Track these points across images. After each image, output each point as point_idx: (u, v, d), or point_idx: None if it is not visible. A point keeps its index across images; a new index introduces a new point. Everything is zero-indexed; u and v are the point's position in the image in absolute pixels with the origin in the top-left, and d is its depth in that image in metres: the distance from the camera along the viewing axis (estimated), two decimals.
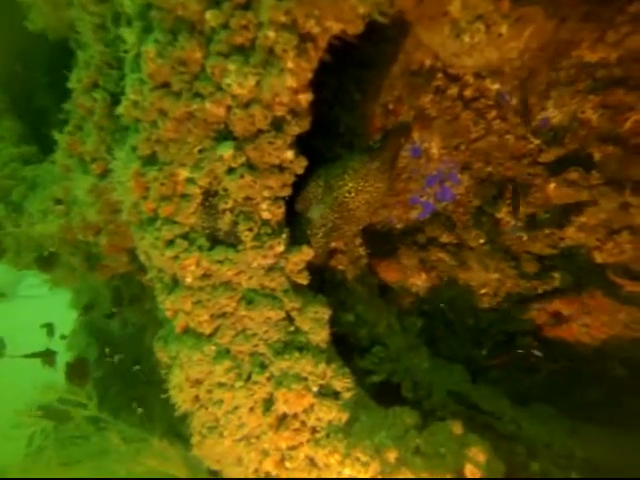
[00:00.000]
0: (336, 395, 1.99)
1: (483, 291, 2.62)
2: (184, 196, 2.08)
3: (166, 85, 1.89)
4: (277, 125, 1.89)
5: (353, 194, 2.05)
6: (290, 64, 1.71)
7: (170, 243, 2.08)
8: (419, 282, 2.83)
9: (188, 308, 2.14)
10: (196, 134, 1.96)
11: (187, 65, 1.84)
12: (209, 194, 2.08)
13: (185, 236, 2.10)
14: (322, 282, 2.46)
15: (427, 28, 1.87)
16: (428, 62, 2.75)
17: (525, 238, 2.48)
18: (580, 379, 2.34)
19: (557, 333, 2.37)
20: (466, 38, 1.76)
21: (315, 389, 1.98)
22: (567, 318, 2.33)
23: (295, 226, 2.26)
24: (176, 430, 3.88)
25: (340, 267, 2.81)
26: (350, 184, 2.04)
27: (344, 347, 2.36)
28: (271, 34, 1.64)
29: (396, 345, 2.54)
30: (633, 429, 2.01)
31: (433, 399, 2.35)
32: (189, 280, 2.10)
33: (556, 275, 2.35)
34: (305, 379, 1.99)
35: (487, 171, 2.66)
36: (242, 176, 1.93)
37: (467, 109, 2.62)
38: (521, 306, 2.45)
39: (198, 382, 2.15)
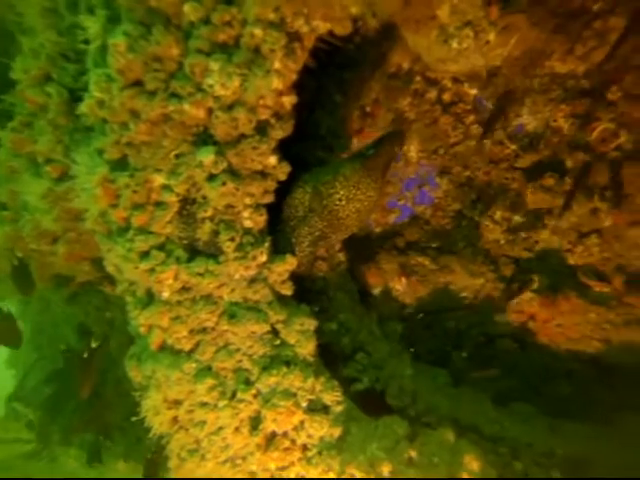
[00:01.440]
0: (326, 409, 1.93)
1: (463, 294, 2.66)
2: (159, 204, 1.92)
3: (138, 83, 1.72)
4: (261, 129, 1.79)
5: (344, 202, 1.98)
6: (277, 65, 1.61)
7: (145, 255, 1.91)
8: (399, 286, 2.82)
9: (165, 324, 1.98)
10: (173, 137, 1.81)
11: (162, 62, 1.69)
12: (187, 202, 1.94)
13: (161, 247, 1.94)
14: (303, 290, 2.37)
15: (413, 31, 1.84)
16: (406, 65, 2.73)
17: (503, 242, 2.53)
18: (554, 377, 2.43)
19: (534, 334, 2.45)
20: (454, 44, 1.74)
21: (305, 404, 1.90)
22: (543, 320, 2.41)
23: (278, 233, 2.16)
24: (137, 450, 3.65)
25: (321, 274, 2.74)
26: (341, 192, 1.97)
27: (328, 355, 2.30)
28: (258, 32, 1.53)
29: (379, 352, 2.52)
30: (606, 423, 2.11)
31: (418, 405, 2.35)
32: (166, 295, 1.95)
33: (534, 278, 2.43)
34: (294, 395, 1.91)
35: (466, 175, 2.69)
36: (224, 183, 1.81)
37: (446, 113, 2.64)
38: (500, 309, 2.51)
39: (177, 403, 2.01)
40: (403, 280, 2.77)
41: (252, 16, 1.51)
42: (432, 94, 2.67)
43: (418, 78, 2.70)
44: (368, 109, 2.84)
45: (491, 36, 1.68)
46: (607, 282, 2.29)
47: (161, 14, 1.62)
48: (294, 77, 1.73)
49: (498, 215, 2.54)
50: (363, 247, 2.94)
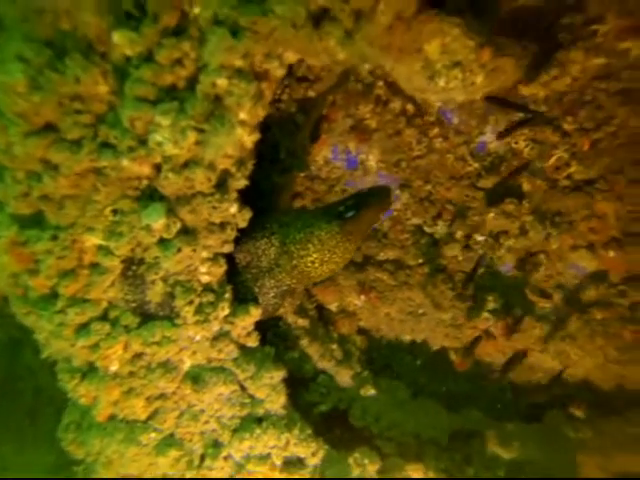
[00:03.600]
0: (302, 462, 1.90)
1: (421, 311, 2.72)
2: (96, 267, 1.57)
3: (51, 128, 1.30)
4: (221, 182, 1.49)
5: (317, 265, 1.80)
6: (243, 116, 1.31)
7: (83, 329, 1.59)
8: (357, 302, 2.79)
9: (115, 398, 1.73)
10: (107, 192, 1.44)
11: (85, 102, 1.28)
12: (132, 262, 1.61)
13: (104, 317, 1.62)
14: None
15: (394, 59, 1.60)
16: (367, 66, 2.48)
17: (461, 258, 2.59)
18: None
19: (486, 348, 2.63)
20: (441, 82, 1.56)
21: (280, 463, 1.85)
22: (495, 335, 2.59)
23: (237, 280, 1.93)
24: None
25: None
26: (315, 255, 1.77)
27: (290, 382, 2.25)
28: (222, 82, 1.20)
29: (340, 374, 2.53)
30: (546, 426, 2.41)
31: (381, 423, 2.45)
32: (115, 368, 1.67)
33: (489, 298, 2.55)
34: (269, 455, 1.83)
35: (427, 190, 2.63)
36: (179, 250, 1.52)
37: (411, 126, 2.49)
38: (457, 325, 2.63)
39: (135, 475, 1.83)
40: (362, 297, 2.74)
41: (215, 64, 1.17)
42: (396, 104, 2.48)
43: (380, 83, 2.48)
44: (324, 112, 2.57)
45: (479, 79, 1.53)
46: (549, 298, 2.49)
47: (77, 38, 1.19)
48: (261, 118, 1.43)
49: (459, 234, 2.56)
50: None
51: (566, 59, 2.06)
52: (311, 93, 2.11)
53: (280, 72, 1.29)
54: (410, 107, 2.48)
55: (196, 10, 1.17)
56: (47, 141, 1.28)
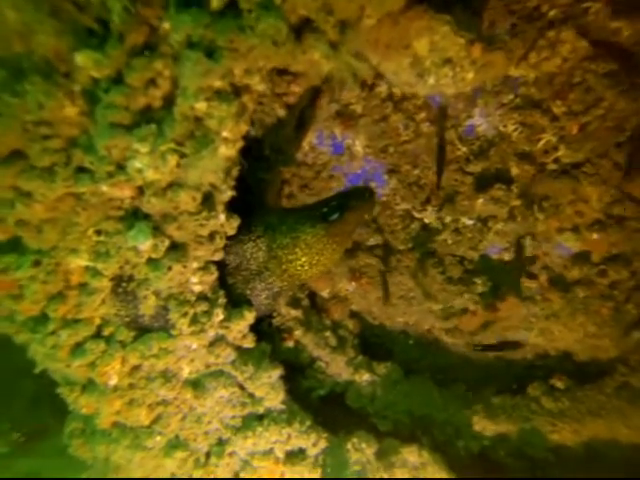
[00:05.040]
0: (303, 452, 2.00)
1: (412, 294, 2.77)
2: (84, 286, 1.54)
3: (19, 155, 1.22)
4: (206, 197, 1.44)
5: (306, 267, 1.79)
6: (226, 134, 1.25)
7: (78, 349, 1.58)
8: (348, 287, 2.83)
9: (116, 408, 1.76)
10: (87, 215, 1.38)
11: (54, 127, 1.19)
12: (121, 279, 1.58)
13: (98, 334, 1.61)
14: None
15: (381, 56, 1.53)
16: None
17: (450, 242, 2.61)
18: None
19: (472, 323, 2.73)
20: (430, 80, 1.51)
21: (282, 455, 1.94)
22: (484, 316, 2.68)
23: (229, 281, 1.93)
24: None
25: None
26: (303, 259, 1.75)
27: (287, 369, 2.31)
28: (200, 106, 1.13)
29: (336, 361, 2.61)
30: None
31: (375, 404, 2.57)
32: (114, 382, 1.69)
33: (478, 280, 2.61)
34: (271, 450, 1.92)
35: (415, 174, 2.60)
36: (170, 268, 1.49)
37: (398, 111, 2.41)
38: (447, 308, 2.70)
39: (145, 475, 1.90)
40: (353, 284, 2.78)
41: (192, 88, 1.09)
42: (382, 88, 2.39)
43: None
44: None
45: (470, 75, 1.48)
46: (535, 279, 2.56)
47: (35, 60, 1.09)
48: (244, 132, 1.37)
49: (448, 219, 2.57)
50: None
51: (556, 39, 1.99)
52: (295, 88, 2.00)
53: (261, 87, 1.21)
54: (397, 91, 2.39)
55: (166, 25, 1.07)
56: (15, 170, 1.21)
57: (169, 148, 1.20)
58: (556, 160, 2.30)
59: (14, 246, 1.43)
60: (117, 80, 1.12)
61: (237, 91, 1.23)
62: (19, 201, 1.29)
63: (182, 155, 1.22)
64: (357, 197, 1.80)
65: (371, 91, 2.43)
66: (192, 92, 1.09)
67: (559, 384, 2.50)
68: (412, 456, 2.07)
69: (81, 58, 1.07)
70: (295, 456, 1.97)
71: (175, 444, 1.87)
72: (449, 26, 1.39)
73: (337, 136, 2.66)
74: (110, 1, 0.97)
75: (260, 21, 1.02)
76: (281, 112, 2.01)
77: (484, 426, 2.50)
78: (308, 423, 2.04)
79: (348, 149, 2.68)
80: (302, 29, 1.12)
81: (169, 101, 1.19)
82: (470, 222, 2.55)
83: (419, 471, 2.05)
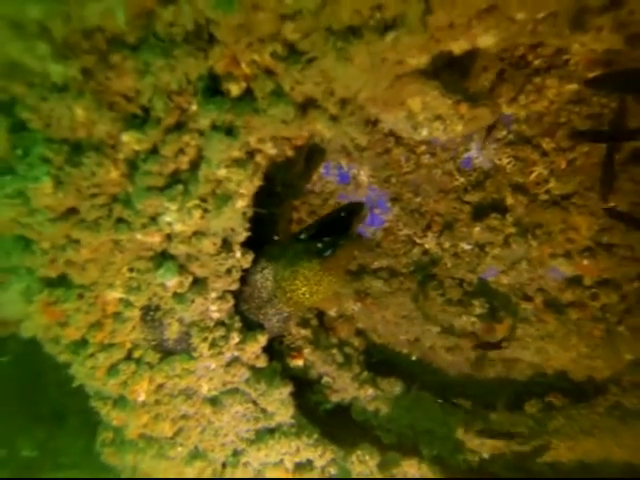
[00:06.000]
0: (310, 464, 2.18)
1: (414, 315, 2.94)
2: (118, 316, 1.76)
3: (73, 211, 1.45)
4: (225, 241, 1.66)
5: (308, 296, 1.99)
6: (242, 191, 1.46)
7: (112, 369, 1.81)
8: (354, 307, 3.01)
9: (144, 422, 1.97)
10: (123, 257, 1.61)
11: (100, 187, 1.42)
12: (149, 309, 1.80)
13: (129, 357, 1.84)
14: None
15: (380, 109, 1.73)
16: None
17: (450, 265, 2.78)
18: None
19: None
20: (424, 132, 1.70)
21: (291, 466, 2.12)
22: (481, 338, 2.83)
23: (243, 308, 2.13)
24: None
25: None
26: (304, 289, 1.96)
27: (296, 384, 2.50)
28: (221, 172, 1.35)
29: (342, 377, 2.79)
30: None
31: (379, 418, 2.74)
32: (142, 399, 1.91)
33: (476, 303, 2.76)
34: (282, 461, 2.11)
35: (417, 202, 2.78)
36: (193, 301, 1.71)
37: (399, 145, 2.60)
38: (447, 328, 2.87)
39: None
40: (359, 304, 2.96)
41: (216, 161, 1.31)
42: (385, 124, 2.58)
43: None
44: None
45: (459, 127, 1.67)
46: (530, 300, 2.71)
47: (92, 139, 1.32)
48: (258, 186, 1.58)
49: (447, 244, 2.74)
50: None
51: (542, 84, 2.17)
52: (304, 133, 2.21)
53: (273, 151, 1.43)
54: None
55: (194, 107, 1.29)
56: (70, 224, 1.44)
57: (194, 205, 1.42)
58: (547, 191, 2.46)
59: (62, 281, 1.66)
60: (153, 151, 1.34)
61: (252, 153, 1.44)
62: (69, 247, 1.52)
63: (205, 210, 1.44)
64: (347, 237, 2.01)
65: (374, 127, 2.63)
66: (215, 163, 1.31)
67: (555, 401, 2.63)
68: (412, 469, 2.23)
69: (127, 137, 1.29)
70: (303, 467, 2.15)
71: (195, 454, 2.08)
72: (438, 90, 1.58)
73: (343, 166, 2.87)
74: (154, 99, 1.19)
75: (272, 106, 1.23)
76: (290, 153, 2.22)
77: (482, 441, 2.65)
78: (315, 436, 2.22)
79: (354, 178, 2.88)
80: (307, 106, 1.33)
81: (194, 165, 1.41)
82: (468, 247, 2.72)
83: None
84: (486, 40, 1.36)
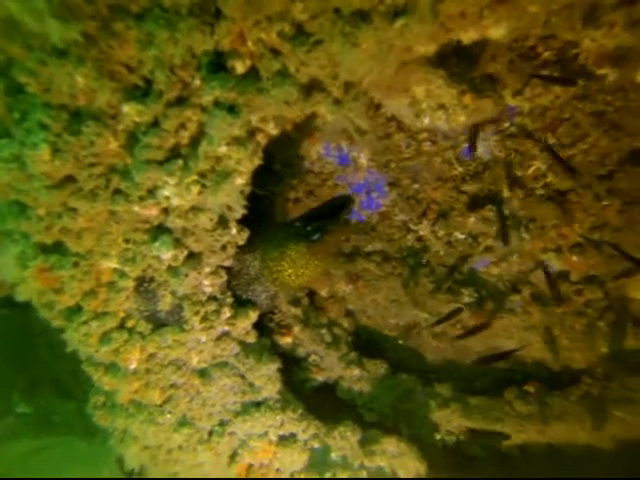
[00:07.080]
0: (294, 437, 2.26)
1: (404, 300, 3.00)
2: (112, 285, 1.78)
3: (70, 179, 1.44)
4: (222, 217, 1.66)
5: (293, 278, 2.02)
6: (241, 169, 1.46)
7: (105, 337, 1.84)
8: (346, 288, 3.06)
9: (134, 388, 2.03)
10: (119, 228, 1.61)
11: (99, 156, 1.41)
12: (144, 280, 1.82)
13: (121, 325, 1.87)
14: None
15: (383, 94, 1.72)
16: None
17: (442, 253, 2.82)
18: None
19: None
20: (426, 120, 1.71)
21: (275, 438, 2.21)
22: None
23: (233, 281, 2.16)
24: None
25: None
26: (290, 270, 1.99)
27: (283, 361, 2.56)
28: (222, 150, 1.34)
29: (330, 356, 2.85)
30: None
31: (363, 397, 2.83)
32: (133, 367, 1.95)
33: (465, 292, 2.82)
34: (266, 433, 2.19)
35: (414, 189, 2.79)
36: (187, 275, 1.73)
37: (401, 130, 2.59)
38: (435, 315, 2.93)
39: (156, 446, 2.18)
40: (350, 286, 3.00)
41: (217, 138, 1.30)
42: (387, 109, 2.56)
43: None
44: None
45: (461, 118, 1.67)
46: (518, 292, 2.77)
47: (92, 108, 1.30)
48: (257, 165, 1.58)
49: (441, 233, 2.77)
50: None
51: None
52: None
53: (275, 131, 1.42)
54: None
55: (197, 82, 1.28)
56: (67, 192, 1.44)
57: (193, 180, 1.42)
58: (544, 186, 2.48)
59: (57, 248, 1.67)
60: (154, 124, 1.33)
61: (253, 132, 1.44)
62: (66, 215, 1.52)
63: (203, 186, 1.44)
64: (336, 221, 2.02)
65: (377, 110, 2.60)
66: (216, 140, 1.30)
67: (531, 390, 2.74)
68: (391, 446, 2.33)
69: (128, 108, 1.28)
70: (287, 439, 2.24)
71: (183, 422, 2.15)
72: (443, 79, 1.57)
73: (344, 148, 2.85)
74: (157, 71, 1.17)
75: (276, 87, 1.22)
76: (290, 130, 2.21)
77: (460, 422, 2.76)
78: (300, 411, 2.30)
79: (353, 161, 2.87)
80: (311, 88, 1.32)
81: (195, 140, 1.40)
82: (462, 236, 2.75)
83: (396, 459, 2.32)
84: (497, 31, 1.34)
